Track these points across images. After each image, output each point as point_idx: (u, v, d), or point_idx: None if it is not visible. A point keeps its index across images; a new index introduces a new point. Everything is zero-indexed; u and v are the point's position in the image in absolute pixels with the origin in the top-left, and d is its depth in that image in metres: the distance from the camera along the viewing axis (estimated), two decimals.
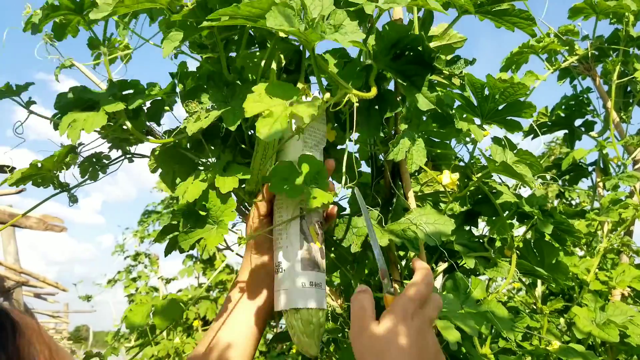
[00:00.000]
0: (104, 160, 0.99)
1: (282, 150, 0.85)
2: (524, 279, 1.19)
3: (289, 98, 0.68)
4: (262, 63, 0.82)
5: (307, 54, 0.89)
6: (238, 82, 0.82)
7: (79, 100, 0.86)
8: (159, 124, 0.95)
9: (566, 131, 1.92)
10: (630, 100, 1.77)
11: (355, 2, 0.73)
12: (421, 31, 0.87)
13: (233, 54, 0.90)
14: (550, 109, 1.92)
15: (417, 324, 0.66)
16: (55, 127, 0.89)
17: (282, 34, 0.80)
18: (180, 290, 5.64)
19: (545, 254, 1.17)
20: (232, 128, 0.74)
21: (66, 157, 0.88)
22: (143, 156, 0.99)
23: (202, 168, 0.92)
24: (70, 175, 0.96)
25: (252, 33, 0.89)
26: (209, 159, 0.91)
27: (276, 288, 0.83)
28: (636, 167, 1.65)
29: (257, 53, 0.88)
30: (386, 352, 0.64)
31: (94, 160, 0.95)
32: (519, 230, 1.24)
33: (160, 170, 0.96)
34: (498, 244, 1.16)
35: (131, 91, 0.87)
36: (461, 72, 0.92)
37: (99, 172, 0.96)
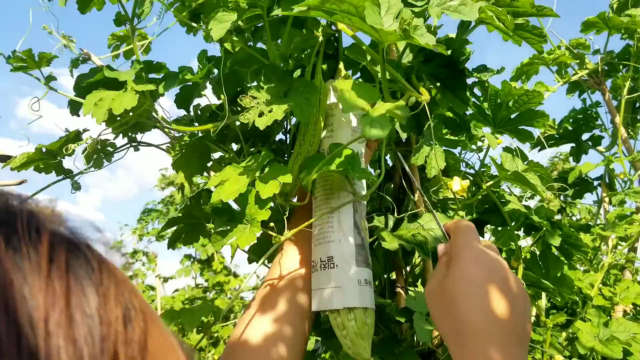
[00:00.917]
0: (109, 148, 0.97)
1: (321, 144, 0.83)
2: (528, 291, 1.18)
3: (373, 99, 0.65)
4: (311, 57, 0.79)
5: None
6: (291, 75, 0.78)
7: (102, 81, 0.82)
8: (188, 111, 0.91)
9: (573, 145, 1.91)
10: (639, 117, 1.77)
11: (415, 4, 0.71)
12: (459, 34, 0.86)
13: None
14: (558, 121, 1.91)
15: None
16: (73, 111, 0.86)
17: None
18: (177, 290, 5.62)
19: (551, 267, 1.16)
20: (305, 120, 0.70)
21: (74, 142, 0.86)
22: (149, 145, 0.98)
23: (230, 163, 0.88)
24: (72, 165, 0.95)
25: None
26: (235, 154, 0.88)
27: (322, 286, 0.76)
28: None
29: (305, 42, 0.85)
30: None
31: (99, 147, 0.94)
32: (524, 242, 1.23)
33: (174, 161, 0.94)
34: (504, 254, 1.15)
35: (155, 75, 0.84)
36: (487, 81, 0.92)
37: (104, 160, 0.94)
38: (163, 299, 5.31)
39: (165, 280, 5.68)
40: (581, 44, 1.62)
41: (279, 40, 0.80)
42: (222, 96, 0.79)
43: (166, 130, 0.92)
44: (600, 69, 1.66)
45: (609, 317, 1.25)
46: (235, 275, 5.63)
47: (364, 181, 0.83)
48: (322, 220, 0.78)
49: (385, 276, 1.08)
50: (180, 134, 0.93)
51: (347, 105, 0.62)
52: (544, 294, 1.32)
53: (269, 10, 0.72)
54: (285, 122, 0.90)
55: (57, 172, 0.93)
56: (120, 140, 0.98)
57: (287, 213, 0.81)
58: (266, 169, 0.76)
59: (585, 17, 1.52)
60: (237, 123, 0.83)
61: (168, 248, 0.99)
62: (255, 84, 0.79)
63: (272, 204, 0.74)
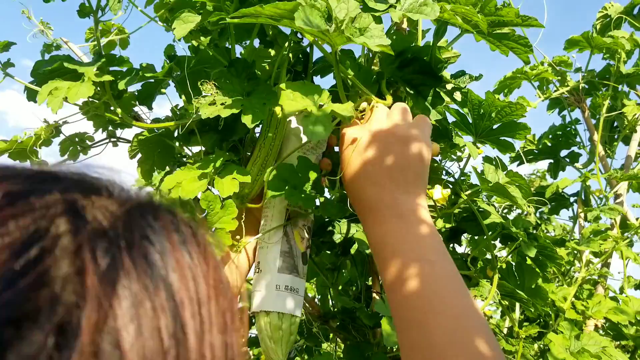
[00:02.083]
0: (87, 141, 0.96)
1: (280, 151, 0.83)
2: (503, 302, 1.19)
3: (318, 96, 0.65)
4: (274, 62, 0.80)
5: (315, 56, 0.88)
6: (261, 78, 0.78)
7: (60, 70, 0.80)
8: (150, 108, 0.91)
9: (551, 160, 1.94)
10: (616, 136, 1.81)
11: (376, 9, 0.72)
12: (434, 41, 0.86)
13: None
14: (538, 137, 1.94)
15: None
16: (30, 97, 0.84)
17: (290, 34, 0.78)
18: None
19: (526, 278, 1.17)
20: (250, 126, 0.69)
21: (49, 134, 0.85)
22: (129, 141, 0.97)
23: (189, 161, 0.88)
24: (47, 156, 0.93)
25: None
26: (193, 152, 0.88)
27: (252, 289, 0.79)
28: (617, 201, 1.67)
29: (269, 50, 0.86)
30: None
31: (77, 139, 0.92)
32: (500, 252, 1.24)
33: (138, 157, 0.93)
34: (480, 264, 1.16)
35: (118, 68, 0.83)
36: (465, 87, 0.92)
37: (80, 153, 0.93)
38: None
39: None
40: (564, 62, 1.65)
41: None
42: (180, 96, 0.79)
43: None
44: (580, 87, 1.69)
45: (580, 331, 1.26)
46: None
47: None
48: (263, 227, 0.80)
49: (361, 281, 1.08)
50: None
51: (288, 107, 0.62)
52: (517, 305, 1.33)
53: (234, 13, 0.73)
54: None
55: (31, 161, 0.91)
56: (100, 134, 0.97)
57: (242, 217, 0.81)
58: (223, 170, 0.75)
59: (570, 35, 1.55)
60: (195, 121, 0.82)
61: None
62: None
63: (236, 213, 0.73)
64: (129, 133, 1.03)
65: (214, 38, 0.81)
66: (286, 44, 0.81)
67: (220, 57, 0.80)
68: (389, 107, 0.75)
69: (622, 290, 1.68)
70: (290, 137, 0.84)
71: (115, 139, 0.98)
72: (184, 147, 0.90)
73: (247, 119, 0.68)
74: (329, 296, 1.15)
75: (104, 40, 0.98)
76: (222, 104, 0.68)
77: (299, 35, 0.84)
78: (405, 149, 0.66)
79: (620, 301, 1.44)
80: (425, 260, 0.59)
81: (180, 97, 0.87)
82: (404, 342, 0.57)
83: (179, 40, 0.73)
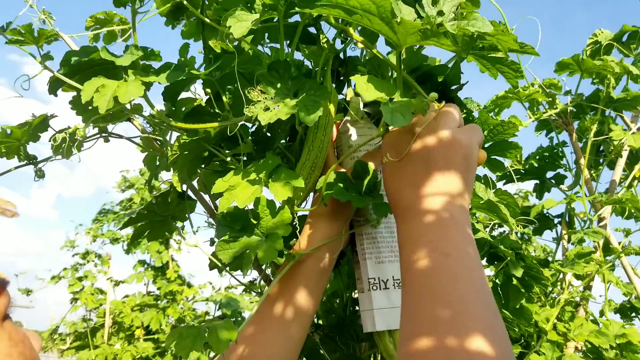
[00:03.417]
0: (79, 137, 0.93)
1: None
2: None
3: (390, 93, 0.65)
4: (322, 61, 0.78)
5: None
6: (302, 76, 0.74)
7: (95, 62, 0.77)
8: (174, 105, 0.87)
9: (537, 181, 1.95)
10: (601, 160, 1.83)
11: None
12: (456, 63, 0.86)
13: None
14: (525, 157, 1.96)
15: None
16: (52, 90, 0.80)
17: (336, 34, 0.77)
18: (127, 296, 5.45)
19: (511, 298, 1.17)
20: (311, 124, 0.66)
21: (40, 129, 0.82)
22: (120, 136, 0.94)
23: (233, 167, 0.84)
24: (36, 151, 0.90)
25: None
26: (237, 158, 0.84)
27: (396, 304, 0.75)
28: (601, 224, 1.69)
29: (311, 48, 0.84)
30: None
31: (67, 134, 0.89)
32: (486, 271, 1.24)
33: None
34: None
35: (147, 62, 0.79)
36: (472, 113, 0.92)
37: (73, 149, 0.90)
38: (113, 303, 5.14)
39: (117, 283, 5.50)
40: (554, 85, 1.67)
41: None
42: (225, 98, 0.76)
43: (136, 123, 0.89)
44: (569, 110, 1.71)
45: (561, 353, 1.26)
46: (189, 286, 5.50)
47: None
48: (384, 236, 0.78)
49: (347, 294, 1.07)
50: (168, 132, 0.88)
51: (367, 94, 0.61)
52: None
53: (285, 12, 0.71)
54: (289, 128, 0.87)
55: (20, 157, 0.88)
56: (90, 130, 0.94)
57: (295, 223, 0.78)
58: (274, 174, 0.72)
59: (560, 58, 1.56)
60: (238, 125, 0.80)
61: (129, 246, 0.96)
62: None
63: (290, 219, 0.71)
64: (118, 128, 1.01)
65: (257, 38, 0.78)
66: (328, 44, 0.80)
67: (264, 57, 0.78)
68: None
69: (602, 313, 1.69)
70: (341, 141, 0.83)
71: (106, 134, 0.95)
72: (218, 152, 0.86)
73: (306, 118, 0.65)
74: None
75: (104, 30, 0.95)
76: (275, 107, 0.66)
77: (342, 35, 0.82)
78: (448, 151, 0.65)
79: (601, 324, 1.45)
80: (440, 252, 0.57)
81: (212, 97, 0.83)
82: (410, 330, 0.55)
83: (236, 39, 0.69)
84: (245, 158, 0.82)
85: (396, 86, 0.68)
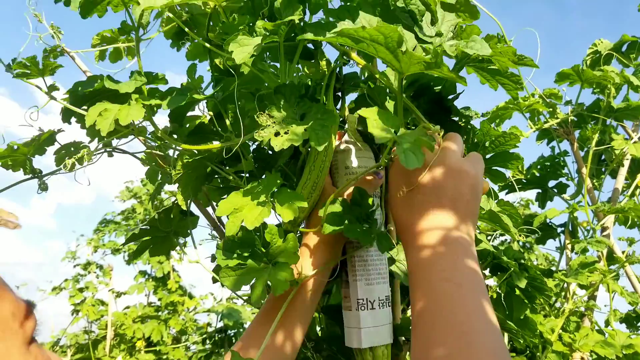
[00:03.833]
0: (84, 158, 0.94)
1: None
2: None
3: (396, 127, 0.65)
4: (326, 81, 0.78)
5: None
6: (307, 99, 0.75)
7: (101, 90, 0.79)
8: (181, 125, 0.89)
9: (539, 190, 1.95)
10: (603, 169, 1.83)
11: (426, 41, 0.73)
12: (456, 72, 0.87)
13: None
14: (527, 167, 1.96)
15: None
16: (65, 119, 0.82)
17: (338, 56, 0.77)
18: (128, 307, 5.43)
19: (515, 309, 1.16)
20: (320, 148, 0.67)
21: (47, 143, 0.83)
22: (124, 152, 0.95)
23: (233, 184, 0.85)
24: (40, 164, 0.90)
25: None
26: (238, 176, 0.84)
27: (380, 322, 0.78)
28: (604, 233, 1.68)
29: (310, 64, 0.84)
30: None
31: (72, 149, 0.90)
32: (489, 281, 1.24)
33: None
34: None
35: (153, 85, 0.82)
36: (470, 121, 0.93)
37: (76, 163, 0.91)
38: (115, 314, 5.12)
39: (119, 295, 5.48)
40: (554, 94, 1.68)
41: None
42: (227, 118, 0.77)
43: (143, 140, 0.89)
44: (570, 120, 1.71)
45: None
46: (191, 297, 5.48)
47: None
48: (374, 259, 0.80)
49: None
50: (175, 150, 0.89)
51: (379, 134, 0.62)
52: (506, 336, 1.32)
53: (286, 36, 0.72)
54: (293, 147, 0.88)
55: (25, 170, 0.89)
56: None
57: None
58: (278, 195, 0.72)
59: (561, 68, 1.57)
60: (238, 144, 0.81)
61: (130, 261, 0.96)
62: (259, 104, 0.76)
63: (298, 247, 0.70)
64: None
65: (258, 59, 0.79)
66: (330, 64, 0.80)
67: (266, 78, 0.78)
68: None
69: (607, 323, 1.68)
70: (337, 160, 0.83)
71: (110, 149, 0.96)
72: (221, 170, 0.86)
73: (314, 142, 0.66)
74: (316, 321, 1.13)
75: (110, 48, 0.97)
76: (285, 132, 0.67)
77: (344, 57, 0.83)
78: (458, 182, 0.67)
79: (607, 334, 1.44)
80: (452, 282, 0.59)
81: (216, 116, 0.84)
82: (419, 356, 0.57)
83: (237, 63, 0.70)
84: (247, 175, 0.82)
85: (397, 114, 0.68)
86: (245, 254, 0.70)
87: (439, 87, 0.88)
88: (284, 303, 0.73)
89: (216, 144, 0.79)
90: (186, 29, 0.82)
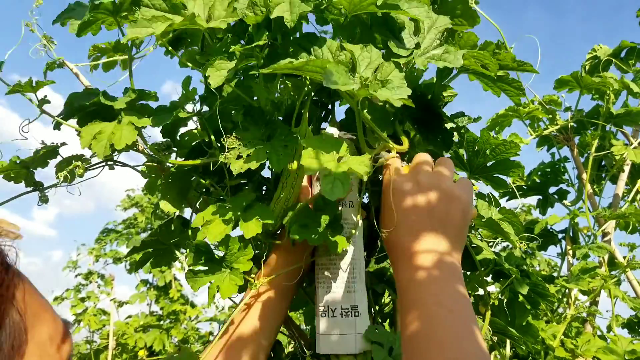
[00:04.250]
0: (83, 164, 0.95)
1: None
2: (494, 338, 1.18)
3: (336, 151, 0.67)
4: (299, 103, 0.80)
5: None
6: (277, 121, 0.80)
7: (96, 105, 0.82)
8: (173, 140, 0.91)
9: (540, 197, 1.96)
10: (603, 175, 1.84)
11: (400, 54, 0.74)
12: (438, 81, 0.88)
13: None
14: (527, 173, 1.97)
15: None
16: (56, 126, 0.84)
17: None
18: (130, 316, 5.42)
19: (517, 315, 1.17)
20: (278, 170, 0.71)
21: (50, 156, 0.84)
22: (125, 165, 0.96)
23: (216, 199, 0.88)
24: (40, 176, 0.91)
25: None
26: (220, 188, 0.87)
27: (342, 331, 0.79)
28: (605, 239, 1.69)
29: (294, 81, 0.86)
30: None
31: (74, 162, 0.91)
32: (491, 288, 1.24)
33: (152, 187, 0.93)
34: (472, 299, 1.15)
35: (144, 102, 0.84)
36: (464, 127, 0.93)
37: (76, 175, 0.92)
38: (117, 324, 5.11)
39: (121, 304, 5.47)
40: (553, 101, 1.69)
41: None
42: (210, 135, 0.80)
43: (146, 154, 0.91)
44: (569, 126, 1.72)
45: None
46: (193, 305, 5.47)
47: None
48: (338, 267, 0.81)
49: None
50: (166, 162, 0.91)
51: (309, 165, 0.64)
52: (508, 342, 1.32)
53: (264, 59, 0.75)
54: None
55: (27, 183, 0.90)
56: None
57: (264, 255, 0.85)
58: (249, 209, 0.77)
59: (560, 75, 1.58)
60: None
61: (131, 271, 0.97)
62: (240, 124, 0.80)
63: (252, 254, 0.77)
64: (123, 157, 1.02)
65: (240, 79, 0.81)
66: (306, 88, 0.82)
67: (247, 97, 0.81)
68: (405, 153, 0.79)
69: (609, 328, 1.68)
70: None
71: (112, 162, 0.97)
72: (207, 184, 0.89)
73: (273, 164, 0.70)
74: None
75: (104, 59, 0.99)
76: (247, 155, 0.70)
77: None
78: (450, 206, 0.69)
79: (609, 340, 1.44)
80: (444, 308, 0.61)
81: (209, 134, 0.87)
82: None
83: (213, 88, 0.73)
84: (230, 186, 0.85)
85: (357, 129, 0.71)
86: (208, 259, 0.77)
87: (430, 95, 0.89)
88: (254, 303, 0.81)
89: (197, 161, 0.84)
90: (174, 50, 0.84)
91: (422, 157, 0.76)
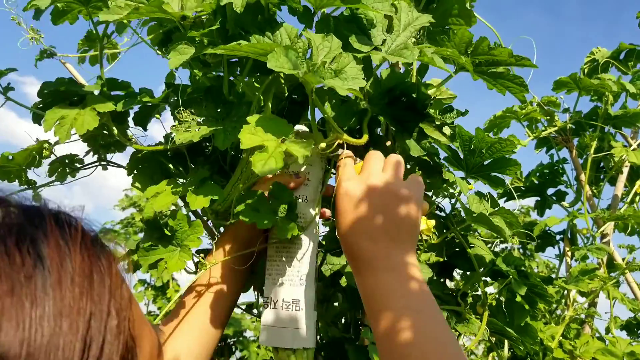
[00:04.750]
0: (76, 164, 0.95)
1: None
2: (492, 339, 1.18)
3: (282, 135, 0.67)
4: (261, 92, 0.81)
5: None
6: (235, 102, 0.80)
7: (65, 92, 0.83)
8: (145, 129, 0.93)
9: (538, 198, 1.96)
10: (602, 176, 1.83)
11: (360, 50, 0.74)
12: (418, 79, 0.88)
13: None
14: (525, 175, 1.97)
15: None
16: (36, 119, 0.85)
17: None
18: None
19: (515, 316, 1.16)
20: (222, 148, 0.72)
21: (40, 153, 0.84)
22: (119, 165, 0.96)
23: (180, 180, 0.89)
24: (34, 175, 0.92)
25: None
26: (187, 172, 0.89)
27: (281, 324, 0.78)
28: (604, 240, 1.69)
29: (259, 79, 0.86)
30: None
31: (66, 161, 0.91)
32: (490, 289, 1.24)
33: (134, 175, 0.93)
34: (470, 299, 1.15)
35: (120, 92, 0.85)
36: (452, 122, 0.93)
37: (68, 175, 0.92)
38: None
39: None
40: (552, 102, 1.68)
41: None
42: (173, 114, 0.82)
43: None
44: (568, 127, 1.72)
45: None
46: None
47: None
48: (283, 260, 0.80)
49: (352, 315, 1.06)
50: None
51: (246, 141, 0.64)
52: (506, 343, 1.32)
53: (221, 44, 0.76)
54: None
55: (20, 181, 0.89)
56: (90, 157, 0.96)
57: (215, 237, 0.86)
58: (201, 186, 0.78)
59: (558, 76, 1.58)
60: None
61: (128, 271, 0.96)
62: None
63: (202, 232, 0.78)
64: (118, 157, 1.03)
65: (210, 69, 0.83)
66: (271, 77, 0.83)
67: (220, 85, 0.81)
68: (364, 147, 0.78)
69: (608, 330, 1.68)
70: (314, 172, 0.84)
71: (105, 162, 0.97)
72: (172, 165, 0.91)
73: (218, 142, 0.72)
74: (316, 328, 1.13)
75: (92, 52, 1.00)
76: (196, 130, 0.72)
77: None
78: (401, 206, 0.69)
79: (607, 342, 1.43)
80: (413, 310, 0.62)
81: (175, 121, 0.88)
82: None
83: (176, 69, 0.74)
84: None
85: (288, 131, 0.70)
86: (156, 236, 0.77)
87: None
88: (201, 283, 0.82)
89: (159, 147, 0.86)
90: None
91: (373, 156, 0.75)
